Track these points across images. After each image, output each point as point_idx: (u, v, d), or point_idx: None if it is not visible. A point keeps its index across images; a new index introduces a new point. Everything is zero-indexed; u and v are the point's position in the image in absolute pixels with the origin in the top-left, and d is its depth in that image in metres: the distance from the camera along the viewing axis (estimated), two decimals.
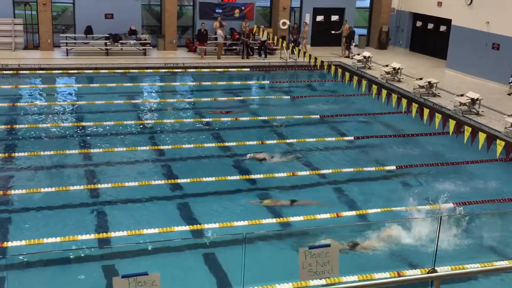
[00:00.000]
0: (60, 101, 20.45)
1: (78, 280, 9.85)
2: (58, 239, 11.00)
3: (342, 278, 9.32)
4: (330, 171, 15.16)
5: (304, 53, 24.62)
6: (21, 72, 23.70)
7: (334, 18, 31.23)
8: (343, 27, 29.11)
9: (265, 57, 27.42)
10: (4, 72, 23.41)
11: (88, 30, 27.04)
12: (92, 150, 15.75)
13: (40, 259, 10.35)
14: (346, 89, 23.15)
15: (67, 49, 26.24)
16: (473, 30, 24.75)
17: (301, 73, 26.53)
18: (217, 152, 16.45)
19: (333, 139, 17.84)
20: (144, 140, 16.91)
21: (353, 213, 12.92)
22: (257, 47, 27.76)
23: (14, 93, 21.40)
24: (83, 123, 17.89)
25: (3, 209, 12.28)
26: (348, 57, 27.54)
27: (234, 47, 28.40)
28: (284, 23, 29.41)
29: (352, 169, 15.31)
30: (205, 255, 10.77)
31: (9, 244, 10.85)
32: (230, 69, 26.20)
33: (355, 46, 29.51)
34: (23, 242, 10.86)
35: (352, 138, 17.88)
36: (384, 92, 19.20)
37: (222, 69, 26.11)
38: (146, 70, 25.24)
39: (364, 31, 32.45)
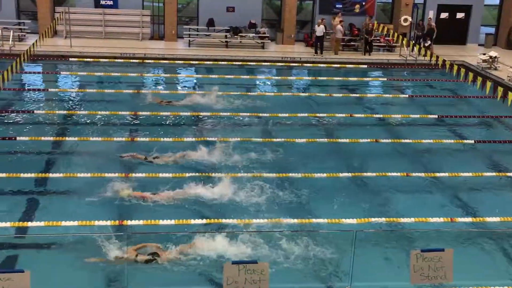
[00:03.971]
0: (179, 90, 21.20)
1: None
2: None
3: None
4: (446, 174, 14.58)
5: (426, 51, 23.79)
6: (146, 61, 24.90)
7: (460, 15, 29.92)
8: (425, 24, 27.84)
9: (369, 53, 26.90)
10: (131, 60, 24.72)
11: (210, 23, 27.86)
12: (208, 138, 16.21)
13: None
14: (468, 90, 22.12)
15: (189, 40, 27.20)
16: None
17: (421, 71, 25.69)
18: (329, 148, 16.34)
19: (451, 141, 17.11)
20: (257, 131, 17.15)
21: (468, 219, 12.35)
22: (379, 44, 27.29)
23: (139, 81, 22.52)
24: (201, 113, 18.44)
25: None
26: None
27: (352, 43, 28.04)
28: (405, 20, 28.59)
29: (470, 174, 14.61)
30: (312, 248, 10.74)
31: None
32: (347, 65, 25.90)
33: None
34: None
35: (472, 141, 17.07)
36: (511, 95, 18.11)
37: (338, 65, 25.88)
38: (263, 63, 25.57)
39: (491, 30, 30.80)
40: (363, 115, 19.23)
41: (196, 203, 12.40)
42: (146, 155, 14.61)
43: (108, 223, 11.44)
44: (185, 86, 22.33)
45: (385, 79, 24.73)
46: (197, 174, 13.72)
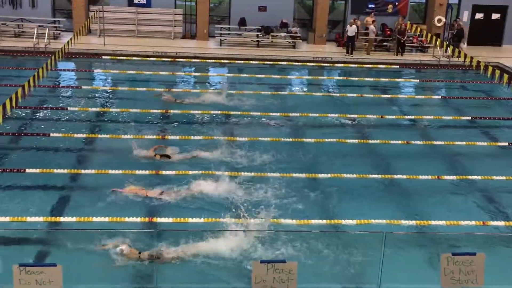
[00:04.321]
0: (210, 89, 21.28)
1: None
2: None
3: None
4: (478, 177, 14.34)
5: (459, 52, 23.43)
6: (178, 60, 25.09)
7: (495, 16, 29.41)
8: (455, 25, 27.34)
9: (402, 54, 26.61)
10: (163, 59, 24.94)
11: (242, 22, 27.93)
12: (237, 139, 16.24)
13: None
14: (503, 92, 21.73)
15: (221, 39, 27.31)
16: None
17: (455, 73, 25.33)
18: (360, 149, 16.23)
19: (485, 143, 16.84)
20: (286, 132, 17.14)
21: (500, 223, 12.14)
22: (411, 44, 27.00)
23: (171, 79, 22.69)
24: (231, 112, 18.48)
25: None
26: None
27: (384, 44, 27.79)
28: (439, 20, 28.22)
29: (503, 177, 14.35)
30: (340, 249, 10.69)
31: None
32: (379, 66, 25.70)
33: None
34: None
35: (506, 144, 16.77)
36: None
37: (370, 65, 25.68)
38: (294, 63, 25.52)
39: None
40: (394, 117, 19.05)
41: (225, 201, 12.44)
42: (173, 152, 14.76)
43: (138, 219, 11.56)
44: (214, 84, 22.41)
45: (418, 80, 24.44)
46: (225, 173, 13.75)
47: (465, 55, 22.50)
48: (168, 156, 14.50)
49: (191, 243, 10.36)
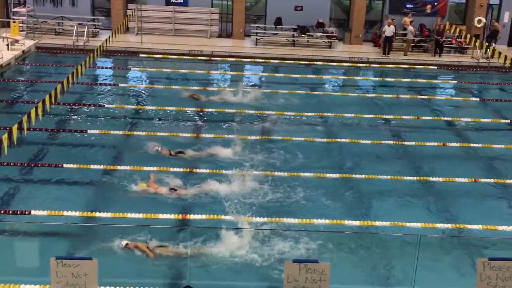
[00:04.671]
0: (243, 88, 21.31)
1: None
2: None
3: None
4: None
5: (500, 53, 22.97)
6: (213, 58, 25.21)
7: None
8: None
9: (440, 55, 26.20)
10: (199, 57, 25.10)
11: (278, 21, 27.90)
12: (273, 137, 16.26)
13: None
14: None
15: (256, 39, 27.34)
16: None
17: (494, 75, 24.83)
18: (395, 150, 16.07)
19: None
20: (319, 132, 17.06)
21: None
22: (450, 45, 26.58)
23: (206, 77, 22.82)
24: (266, 112, 18.49)
25: None
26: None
27: (422, 44, 27.42)
28: (479, 21, 27.69)
29: None
30: (374, 251, 10.61)
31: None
32: (416, 67, 25.37)
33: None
34: None
35: None
36: None
37: (407, 66, 25.37)
38: (329, 63, 25.38)
39: None
40: (431, 118, 18.79)
41: (257, 200, 12.45)
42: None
43: (172, 216, 11.67)
44: (251, 84, 22.44)
45: (456, 81, 24.03)
46: (260, 172, 13.77)
47: (505, 57, 22.05)
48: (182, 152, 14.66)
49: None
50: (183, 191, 12.66)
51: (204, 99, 19.38)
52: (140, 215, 11.61)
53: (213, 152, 14.83)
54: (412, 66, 25.33)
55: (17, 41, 23.72)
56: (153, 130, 16.31)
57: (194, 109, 18.36)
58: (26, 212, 11.56)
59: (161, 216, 11.62)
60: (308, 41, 27.41)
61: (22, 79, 21.57)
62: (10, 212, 11.58)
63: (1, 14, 26.88)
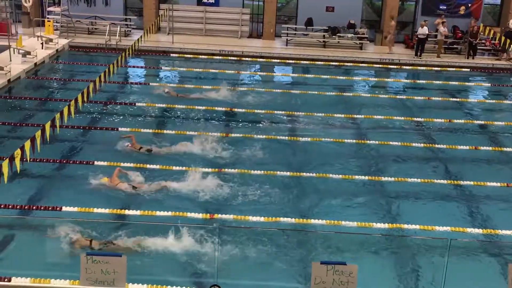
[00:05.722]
0: (274, 89, 21.31)
1: None
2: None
3: None
4: None
5: None
6: (244, 59, 25.26)
7: None
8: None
9: (473, 57, 25.79)
10: (229, 58, 25.18)
11: (309, 22, 27.81)
12: (300, 139, 16.23)
13: None
14: None
15: (287, 39, 27.31)
16: None
17: None
18: (425, 153, 15.88)
19: None
20: (350, 133, 16.96)
21: None
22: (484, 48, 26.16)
23: (236, 78, 22.87)
24: (295, 112, 18.45)
25: None
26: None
27: (455, 46, 27.05)
28: None
29: None
30: (401, 254, 10.52)
31: None
32: (448, 69, 25.03)
33: None
34: None
35: None
36: None
37: (439, 68, 25.06)
38: (360, 64, 25.22)
39: None
40: (463, 121, 18.53)
41: (288, 202, 12.46)
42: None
43: (200, 215, 11.73)
44: (282, 85, 22.42)
45: (489, 84, 23.65)
46: (287, 173, 13.75)
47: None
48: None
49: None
50: (144, 187, 12.75)
51: (177, 95, 19.41)
52: (169, 213, 11.72)
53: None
54: (444, 69, 25.00)
55: (51, 40, 24.13)
56: (182, 129, 16.41)
57: (224, 108, 18.41)
58: (57, 208, 11.75)
59: (189, 214, 11.71)
60: (338, 42, 27.28)
61: (56, 77, 21.94)
62: (42, 208, 11.78)
63: (36, 13, 27.38)
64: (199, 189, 12.67)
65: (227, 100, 19.31)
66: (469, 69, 25.04)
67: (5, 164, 10.58)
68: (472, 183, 13.82)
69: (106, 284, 6.41)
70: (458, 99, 21.20)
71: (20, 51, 21.43)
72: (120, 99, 19.29)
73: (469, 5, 27.85)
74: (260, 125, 17.20)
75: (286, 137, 16.26)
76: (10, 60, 20.35)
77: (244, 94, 20.04)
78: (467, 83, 23.63)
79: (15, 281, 9.07)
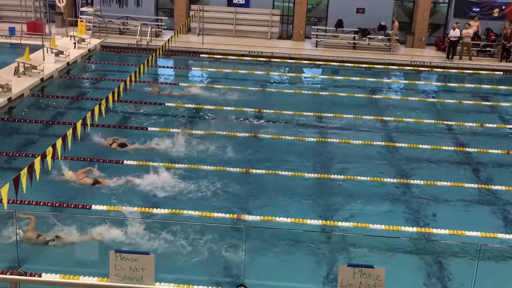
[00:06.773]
0: (304, 91, 21.26)
1: None
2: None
3: None
4: None
5: None
6: (273, 60, 25.26)
7: None
8: None
9: (506, 60, 25.33)
10: (259, 59, 25.21)
11: (339, 24, 27.68)
12: (328, 140, 16.18)
13: None
14: None
15: (317, 41, 27.23)
16: None
17: None
18: (456, 156, 15.68)
19: None
20: (379, 136, 16.84)
21: None
22: None
23: (265, 79, 22.88)
24: (323, 114, 18.38)
25: None
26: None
27: (488, 49, 26.63)
28: None
29: None
30: (431, 260, 10.40)
31: None
32: (481, 72, 24.65)
33: None
34: None
35: None
36: None
37: (472, 71, 24.69)
38: (390, 67, 25.00)
39: None
40: (495, 125, 18.24)
41: (315, 204, 12.42)
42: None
43: (227, 216, 11.78)
44: (311, 86, 22.37)
45: None
46: (315, 175, 13.71)
47: None
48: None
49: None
50: (107, 182, 12.83)
51: (159, 92, 19.39)
52: (196, 213, 11.80)
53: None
54: (477, 72, 24.62)
55: (83, 40, 24.48)
56: (211, 129, 16.49)
57: (252, 109, 18.43)
58: (87, 207, 11.92)
59: (216, 214, 11.76)
60: (369, 44, 27.08)
61: (87, 76, 22.25)
62: (72, 205, 11.96)
63: (69, 13, 27.83)
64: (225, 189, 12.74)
65: (255, 102, 19.38)
66: (502, 72, 24.62)
67: (37, 161, 10.76)
68: (503, 188, 13.59)
69: (135, 280, 6.49)
70: (490, 103, 20.87)
71: (53, 50, 21.80)
72: (149, 98, 19.42)
73: (503, 7, 27.39)
74: (289, 125, 17.16)
75: (314, 139, 16.20)
76: (44, 59, 20.73)
77: (272, 95, 20.02)
78: (500, 87, 23.24)
79: (45, 277, 9.22)
